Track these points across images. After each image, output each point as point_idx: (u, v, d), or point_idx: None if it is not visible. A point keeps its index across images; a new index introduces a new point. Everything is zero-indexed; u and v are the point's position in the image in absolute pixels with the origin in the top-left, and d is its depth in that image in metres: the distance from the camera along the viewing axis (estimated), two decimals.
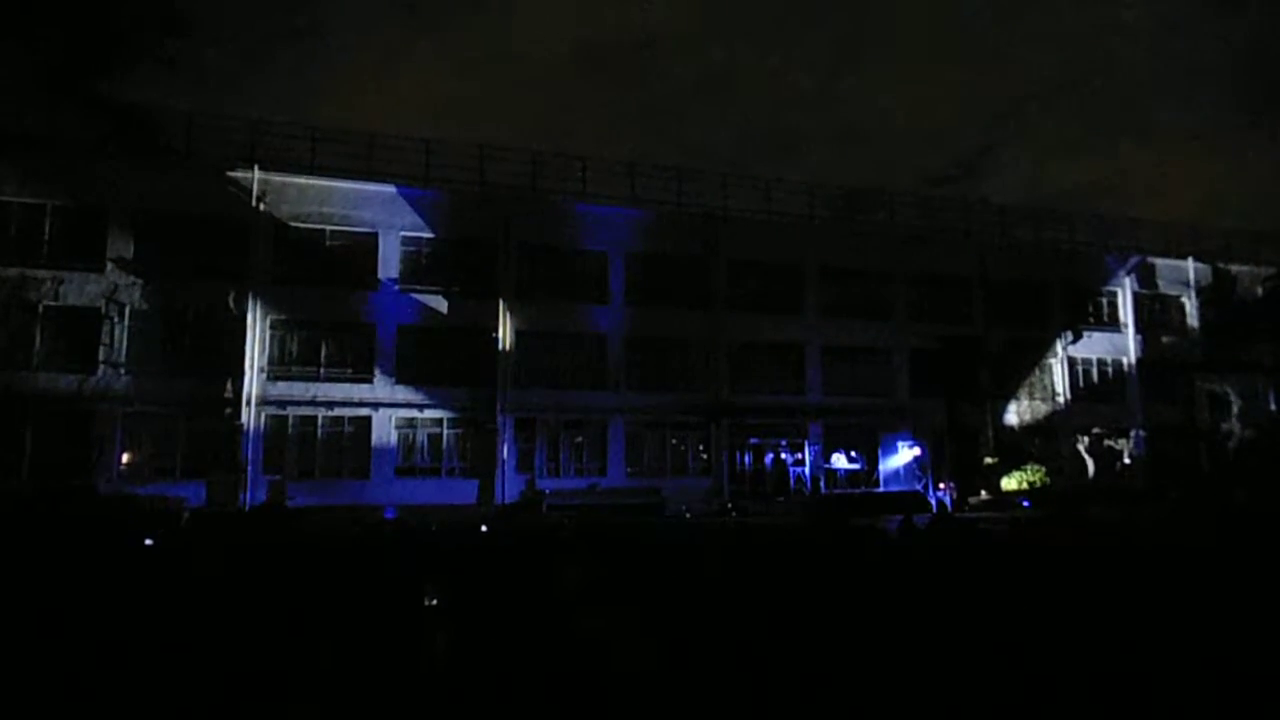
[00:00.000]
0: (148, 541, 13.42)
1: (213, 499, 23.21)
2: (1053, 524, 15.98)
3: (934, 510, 24.49)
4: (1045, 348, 34.54)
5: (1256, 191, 78.87)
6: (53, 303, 23.70)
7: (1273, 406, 36.27)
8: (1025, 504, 26.89)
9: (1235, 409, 35.20)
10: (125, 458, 23.81)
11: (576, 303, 28.67)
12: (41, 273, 23.61)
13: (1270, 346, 36.64)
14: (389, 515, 22.48)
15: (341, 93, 72.93)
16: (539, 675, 5.17)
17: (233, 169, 25.39)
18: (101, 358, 23.82)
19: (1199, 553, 8.59)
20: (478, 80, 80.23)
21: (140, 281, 24.33)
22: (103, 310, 23.96)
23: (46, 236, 23.93)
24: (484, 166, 28.56)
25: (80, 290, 23.91)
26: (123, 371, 23.96)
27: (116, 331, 24.05)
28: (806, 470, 30.51)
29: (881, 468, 31.49)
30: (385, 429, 26.06)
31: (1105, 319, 36.19)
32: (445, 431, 26.83)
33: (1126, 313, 36.34)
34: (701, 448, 29.49)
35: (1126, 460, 34.76)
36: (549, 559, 10.27)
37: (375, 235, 26.89)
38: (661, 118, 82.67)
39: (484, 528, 18.90)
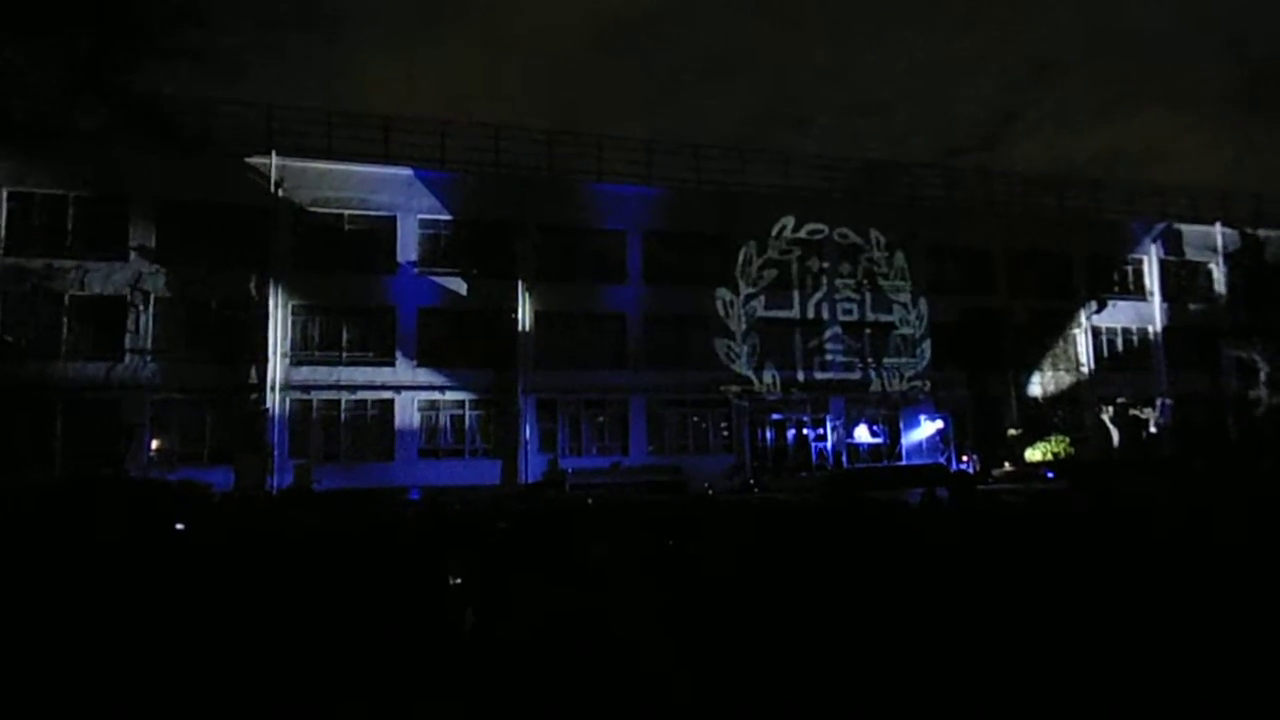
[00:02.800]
0: (179, 526, 13.64)
1: (240, 483, 23.54)
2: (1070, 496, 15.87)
3: (955, 481, 24.26)
4: (1069, 317, 34.16)
5: None
6: (78, 292, 24.02)
7: None
8: (1049, 475, 26.70)
9: (1263, 376, 34.66)
10: (154, 444, 24.18)
11: (595, 282, 28.67)
12: (66, 263, 23.91)
13: None
14: (413, 496, 22.71)
15: (356, 77, 72.96)
16: (562, 652, 5.23)
17: (251, 155, 25.54)
18: (128, 345, 24.14)
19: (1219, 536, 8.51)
20: (492, 62, 79.92)
21: (163, 269, 24.59)
22: (128, 299, 24.27)
23: (70, 227, 24.22)
24: (500, 148, 28.53)
25: (105, 279, 24.21)
26: (149, 359, 24.28)
27: (141, 319, 24.36)
28: (829, 445, 30.48)
29: (904, 441, 31.37)
30: (408, 411, 26.28)
31: (1130, 287, 35.70)
32: (467, 413, 27.02)
33: (1152, 280, 35.81)
34: (723, 425, 29.51)
35: (1152, 429, 34.37)
36: (573, 537, 10.35)
37: (394, 219, 26.98)
38: (677, 95, 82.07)
39: (513, 507, 19.02)
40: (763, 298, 30.12)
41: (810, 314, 30.79)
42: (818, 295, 30.94)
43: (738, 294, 29.88)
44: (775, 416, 30.25)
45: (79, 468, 21.68)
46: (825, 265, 31.11)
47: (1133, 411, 34.29)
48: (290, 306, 25.66)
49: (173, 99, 23.68)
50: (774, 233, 30.56)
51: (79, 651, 5.65)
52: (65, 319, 23.91)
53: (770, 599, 6.39)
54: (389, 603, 6.73)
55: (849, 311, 31.22)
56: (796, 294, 30.64)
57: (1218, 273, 36.89)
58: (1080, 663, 4.84)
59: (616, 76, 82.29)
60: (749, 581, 7.12)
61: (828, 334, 30.91)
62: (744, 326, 29.80)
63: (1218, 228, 36.66)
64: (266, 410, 24.79)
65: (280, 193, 25.65)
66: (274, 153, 25.67)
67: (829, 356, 30.82)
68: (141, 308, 24.37)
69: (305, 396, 25.52)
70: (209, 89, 26.10)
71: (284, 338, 25.45)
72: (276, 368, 25.13)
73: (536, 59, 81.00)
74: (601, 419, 28.38)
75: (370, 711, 4.72)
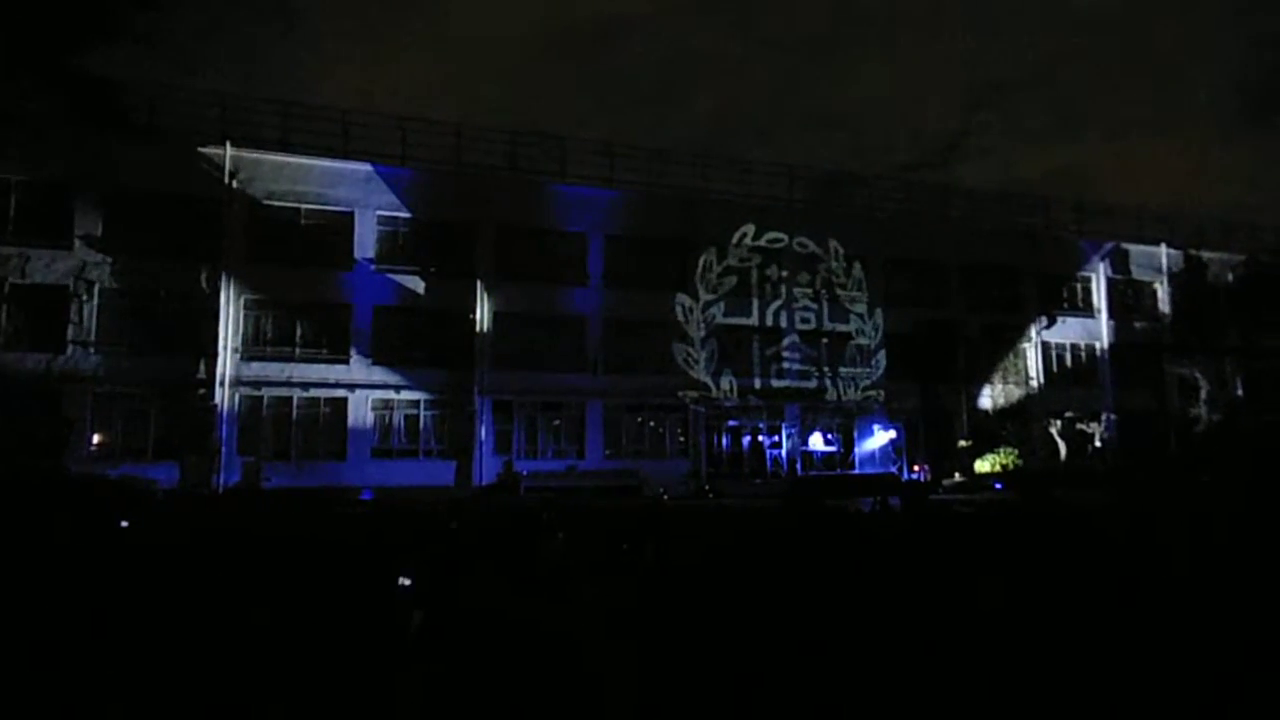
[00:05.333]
0: (123, 524, 13.24)
1: (186, 481, 22.96)
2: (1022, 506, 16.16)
3: (909, 489, 24.60)
4: (1019, 332, 34.88)
5: (1228, 179, 79.95)
6: (19, 280, 23.22)
7: (1239, 391, 36.90)
8: (998, 486, 27.21)
9: (1203, 393, 35.77)
10: (96, 439, 23.48)
11: (554, 284, 28.54)
12: (7, 250, 23.12)
13: (1238, 332, 37.23)
14: (366, 496, 22.38)
15: (315, 70, 71.91)
16: (508, 654, 5.17)
17: (204, 145, 24.96)
18: (70, 337, 23.42)
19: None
20: (454, 60, 79.38)
21: (109, 260, 23.90)
22: (71, 288, 23.54)
23: (11, 213, 23.44)
24: (461, 146, 28.29)
25: (48, 268, 23.46)
26: (92, 351, 23.58)
27: (85, 310, 23.65)
28: (784, 452, 30.70)
29: (857, 450, 31.75)
30: (361, 410, 25.88)
31: (1079, 304, 36.59)
32: (422, 413, 26.70)
33: (1100, 298, 36.75)
34: (679, 430, 29.57)
35: (1097, 443, 35.25)
36: (528, 539, 10.25)
37: (351, 215, 26.59)
38: (640, 100, 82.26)
39: (466, 509, 18.80)
40: (722, 304, 30.27)
41: (768, 322, 31.01)
42: (776, 304, 31.18)
43: (697, 300, 29.99)
44: (732, 423, 30.40)
45: (15, 462, 20.93)
46: (784, 274, 31.36)
47: (1079, 425, 35.14)
48: (242, 301, 25.13)
49: (124, 84, 23.02)
50: (734, 240, 30.74)
51: (19, 652, 5.45)
52: (4, 308, 23.11)
53: (728, 603, 6.39)
54: (335, 604, 6.60)
55: (807, 320, 31.52)
56: (755, 302, 30.85)
57: (1162, 292, 37.99)
58: (1034, 660, 4.91)
59: (579, 80, 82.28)
60: (706, 585, 7.11)
61: (785, 342, 31.16)
62: (703, 333, 29.91)
63: (1163, 248, 37.77)
64: (215, 406, 24.21)
65: (234, 184, 25.11)
66: (228, 143, 25.12)
67: (786, 364, 31.07)
68: (85, 298, 23.66)
69: (256, 393, 24.99)
70: (163, 75, 25.46)
71: (235, 333, 24.91)
72: (226, 363, 24.57)
73: (502, 60, 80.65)
74: (558, 422, 28.25)
75: (312, 713, 4.61)
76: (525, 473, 26.04)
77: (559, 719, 4.49)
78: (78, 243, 23.74)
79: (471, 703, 4.66)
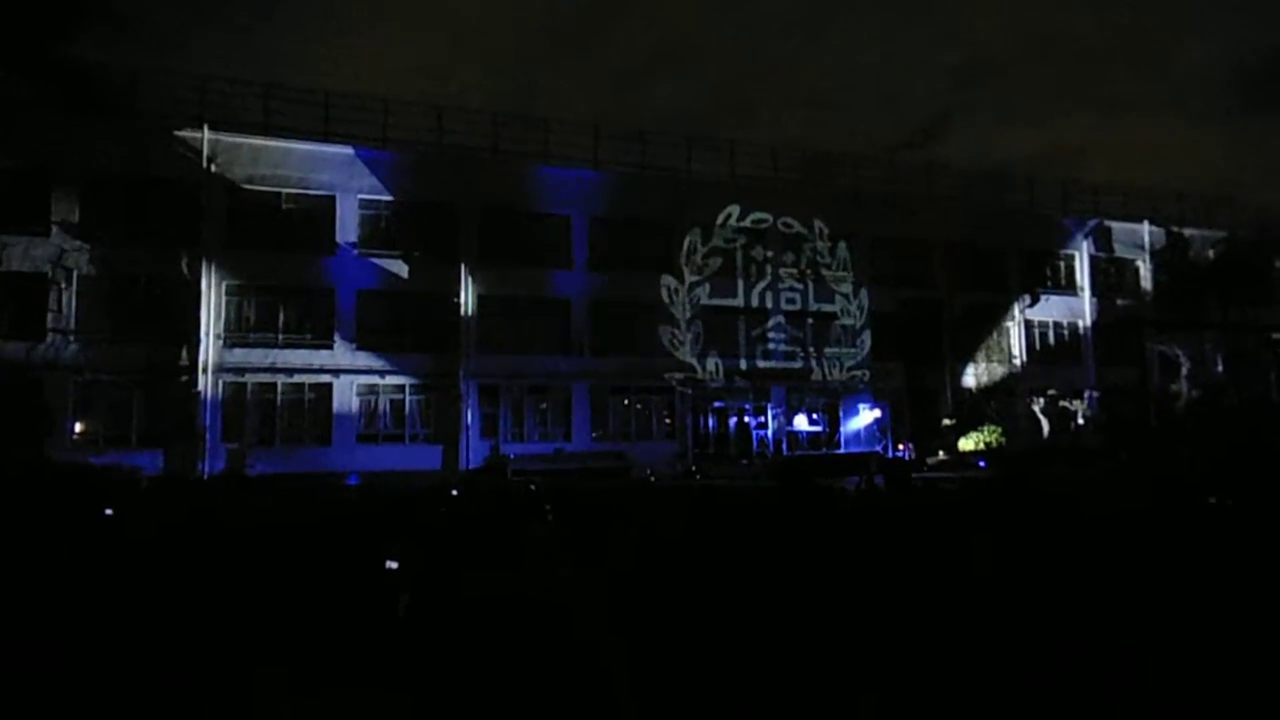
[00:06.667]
0: (107, 512, 13.16)
1: (170, 468, 22.85)
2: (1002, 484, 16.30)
3: (892, 466, 24.69)
4: (1003, 311, 35.06)
5: (1211, 157, 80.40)
6: None
7: (1219, 368, 37.24)
8: (981, 464, 27.41)
9: (1184, 370, 36.07)
10: (78, 427, 23.30)
11: (539, 267, 28.43)
12: None
13: (1219, 309, 37.53)
14: (352, 482, 22.34)
15: (295, 51, 71.02)
16: (495, 631, 5.19)
17: (181, 129, 24.62)
18: (50, 324, 23.17)
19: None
20: (438, 41, 78.60)
21: (88, 246, 23.60)
22: (49, 275, 23.25)
23: None
24: (444, 128, 28.05)
25: (24, 255, 23.15)
26: (72, 339, 23.35)
27: (64, 297, 23.39)
28: (769, 433, 30.82)
29: (843, 430, 31.90)
30: (346, 395, 25.78)
31: (1062, 282, 36.77)
32: (408, 397, 26.63)
33: (1083, 276, 36.95)
34: (666, 412, 29.62)
35: (1080, 421, 35.54)
36: (515, 521, 10.27)
37: (333, 198, 26.36)
38: (625, 81, 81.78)
39: (454, 492, 18.80)
40: (707, 286, 30.25)
41: (754, 303, 31.03)
42: (761, 284, 31.19)
43: (682, 281, 29.95)
44: (718, 404, 30.47)
45: None
46: (769, 254, 31.35)
47: (1062, 403, 35.42)
48: (224, 286, 24.91)
49: (99, 67, 22.67)
50: (719, 221, 30.68)
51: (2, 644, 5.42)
52: None
53: (715, 574, 6.43)
54: (323, 587, 6.60)
55: (792, 301, 31.56)
56: (740, 283, 30.85)
57: (1144, 269, 38.21)
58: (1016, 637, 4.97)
59: (562, 62, 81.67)
60: (693, 559, 7.15)
61: (770, 323, 31.19)
62: (688, 314, 29.90)
63: (1145, 226, 37.93)
64: (198, 393, 24.05)
65: (213, 168, 24.81)
66: (206, 126, 24.78)
67: (771, 345, 31.13)
68: (64, 285, 23.39)
69: (239, 379, 24.84)
70: (138, 58, 25.10)
71: (217, 318, 24.71)
72: (209, 349, 24.38)
73: (486, 42, 79.90)
74: (544, 405, 28.24)
75: (299, 695, 4.62)
76: (512, 456, 26.03)
77: (547, 700, 4.52)
78: (55, 229, 23.43)
79: (459, 682, 4.68)
